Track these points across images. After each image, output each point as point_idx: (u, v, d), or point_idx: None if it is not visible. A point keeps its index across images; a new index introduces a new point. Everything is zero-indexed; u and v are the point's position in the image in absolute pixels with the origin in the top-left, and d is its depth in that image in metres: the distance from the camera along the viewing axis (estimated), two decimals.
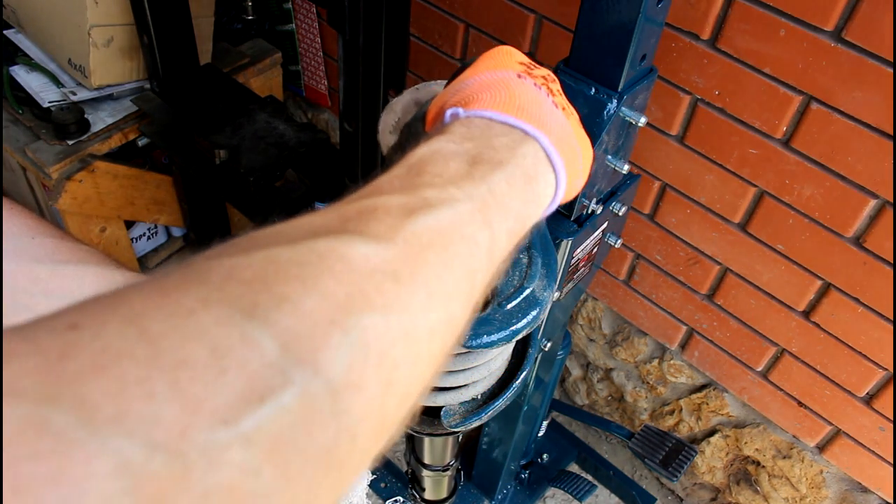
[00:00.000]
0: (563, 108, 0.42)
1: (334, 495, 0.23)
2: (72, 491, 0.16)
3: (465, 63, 0.47)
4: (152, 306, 0.20)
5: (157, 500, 0.17)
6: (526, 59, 0.44)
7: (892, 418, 1.24)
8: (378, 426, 0.24)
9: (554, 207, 0.40)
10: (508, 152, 0.35)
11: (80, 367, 0.18)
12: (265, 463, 0.19)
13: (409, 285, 0.26)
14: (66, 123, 1.50)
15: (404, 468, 0.94)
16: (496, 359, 0.60)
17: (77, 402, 0.17)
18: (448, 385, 0.59)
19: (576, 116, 0.45)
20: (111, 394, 0.18)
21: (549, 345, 1.07)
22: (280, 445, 0.20)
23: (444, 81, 0.49)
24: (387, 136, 0.51)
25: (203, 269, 0.22)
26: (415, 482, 0.93)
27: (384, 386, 0.24)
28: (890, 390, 1.22)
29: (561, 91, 0.44)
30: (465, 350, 0.53)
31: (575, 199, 0.75)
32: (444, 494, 0.95)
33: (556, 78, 0.45)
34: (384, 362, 0.24)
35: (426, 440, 0.82)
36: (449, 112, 0.38)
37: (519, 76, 0.41)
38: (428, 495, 0.94)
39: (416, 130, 0.47)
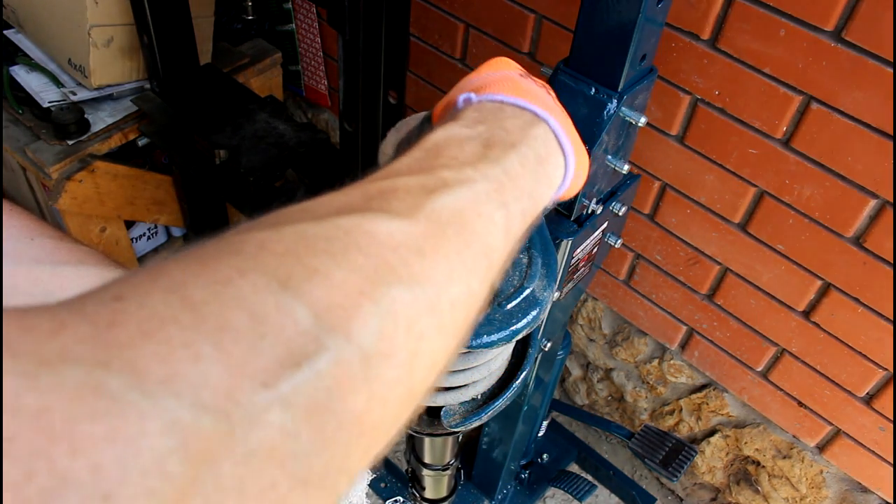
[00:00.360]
0: (563, 109, 0.44)
1: (365, 460, 0.24)
2: (126, 448, 0.16)
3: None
4: (192, 275, 0.21)
5: (205, 457, 0.18)
6: (522, 69, 0.46)
7: (892, 418, 1.24)
8: (406, 394, 0.25)
9: (563, 192, 0.41)
10: (520, 133, 0.36)
11: (129, 333, 0.19)
12: (303, 425, 0.20)
13: (432, 259, 0.27)
14: (66, 123, 1.50)
15: (404, 468, 0.94)
16: (496, 359, 0.60)
17: (128, 366, 0.18)
18: (448, 385, 0.59)
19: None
20: (159, 357, 0.18)
21: (549, 345, 1.07)
22: (316, 409, 0.21)
23: None
24: (385, 156, 0.51)
25: (236, 242, 0.23)
26: (415, 481, 0.93)
27: (412, 355, 0.25)
28: (890, 390, 1.22)
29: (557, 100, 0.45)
30: (465, 350, 0.53)
31: (575, 199, 0.75)
32: (443, 493, 0.95)
33: (550, 88, 0.46)
34: (412, 332, 0.25)
35: (426, 440, 0.82)
36: (462, 97, 0.39)
37: (520, 75, 0.43)
38: (428, 494, 0.94)
39: (423, 132, 0.47)
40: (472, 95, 0.39)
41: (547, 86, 0.45)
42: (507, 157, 0.34)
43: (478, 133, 0.35)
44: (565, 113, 0.43)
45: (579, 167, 0.43)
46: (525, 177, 0.35)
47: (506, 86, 0.40)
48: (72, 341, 0.18)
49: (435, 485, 0.92)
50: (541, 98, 0.40)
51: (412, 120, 0.52)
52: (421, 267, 0.26)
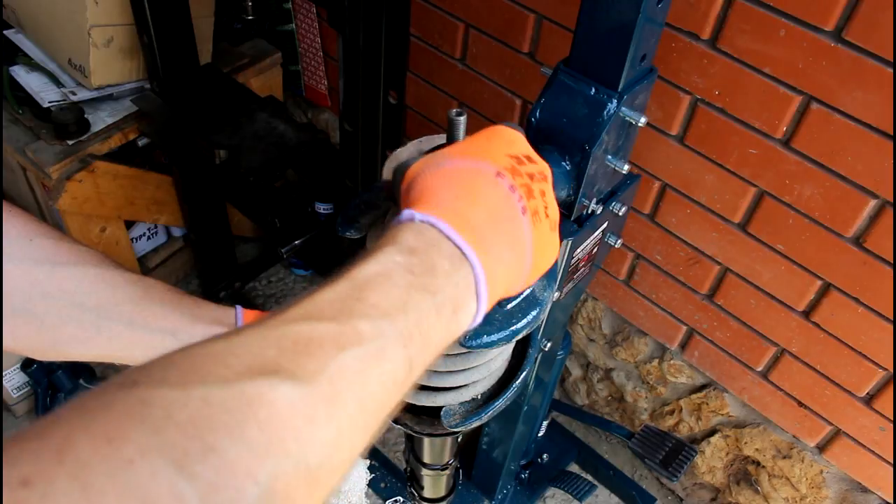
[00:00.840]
0: (535, 214, 0.44)
1: None
2: None
3: (452, 137, 0.49)
4: (97, 457, 0.23)
5: None
6: (521, 151, 0.45)
7: (892, 418, 1.24)
8: None
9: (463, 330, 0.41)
10: (445, 279, 0.37)
11: None
12: None
13: (323, 428, 0.29)
14: (66, 123, 1.50)
15: (403, 467, 0.94)
16: (496, 359, 0.60)
17: None
18: (448, 385, 0.59)
19: (552, 220, 0.46)
20: None
21: (549, 345, 1.07)
22: None
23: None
24: (384, 180, 0.52)
25: (146, 402, 0.25)
26: (413, 480, 0.93)
27: None
28: (890, 390, 1.22)
29: (545, 192, 0.45)
30: (465, 350, 0.53)
31: (575, 200, 0.75)
32: (442, 493, 0.95)
33: (546, 175, 0.46)
34: (286, 500, 0.27)
35: (425, 440, 0.82)
36: (405, 213, 0.40)
37: (498, 174, 0.42)
38: (426, 494, 0.94)
39: (397, 181, 0.48)
40: (416, 214, 0.39)
41: (541, 173, 0.45)
42: (425, 307, 0.36)
43: (408, 266, 0.36)
44: (529, 228, 0.43)
45: (519, 281, 0.43)
46: (437, 328, 0.36)
47: (457, 202, 0.40)
48: None
49: (433, 485, 0.92)
50: (488, 226, 0.40)
51: (409, 148, 0.53)
52: (310, 436, 0.28)
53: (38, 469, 0.22)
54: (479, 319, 0.40)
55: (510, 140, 0.46)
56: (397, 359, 0.33)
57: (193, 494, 0.23)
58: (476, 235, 0.39)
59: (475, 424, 0.61)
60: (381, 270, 0.35)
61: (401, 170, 0.47)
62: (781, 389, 1.39)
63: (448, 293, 0.37)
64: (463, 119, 0.49)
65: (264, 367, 0.28)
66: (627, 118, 0.70)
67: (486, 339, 0.50)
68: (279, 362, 0.29)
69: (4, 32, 1.63)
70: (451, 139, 0.50)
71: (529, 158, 0.46)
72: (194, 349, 0.29)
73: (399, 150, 0.54)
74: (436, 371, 0.58)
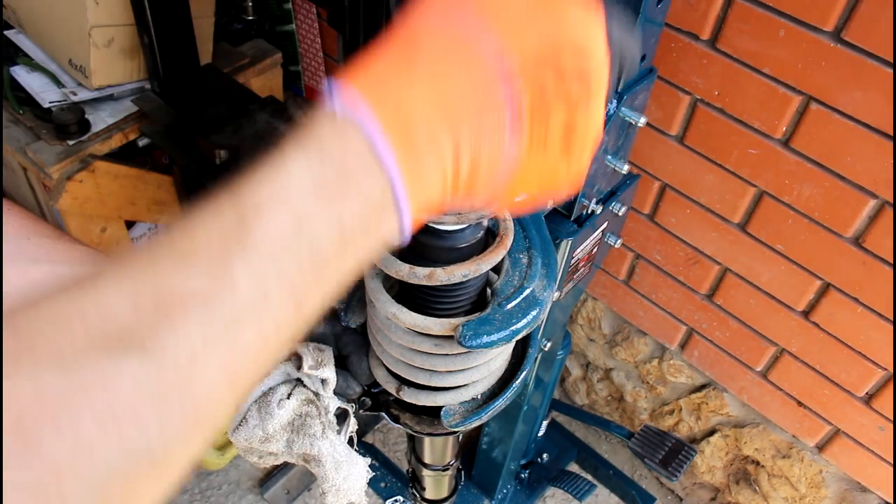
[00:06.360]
0: (537, 143, 0.34)
1: None
2: None
3: None
4: None
5: None
6: (569, 62, 0.33)
7: (891, 418, 1.24)
8: None
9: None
10: (357, 193, 0.31)
11: None
12: None
13: (175, 410, 0.26)
14: (67, 124, 1.50)
15: (405, 467, 0.94)
16: (496, 359, 0.60)
17: None
18: (448, 385, 0.59)
19: (575, 157, 0.36)
20: None
21: (549, 345, 1.07)
22: None
23: None
24: None
25: None
26: (415, 481, 0.93)
27: None
28: (889, 390, 1.22)
29: (576, 126, 0.34)
30: (465, 350, 0.54)
31: (575, 199, 0.75)
32: (444, 494, 0.95)
33: (594, 108, 0.35)
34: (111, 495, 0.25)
35: (426, 440, 0.82)
36: (336, 100, 0.32)
37: (503, 75, 0.32)
38: (428, 495, 0.94)
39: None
40: (343, 107, 0.32)
41: (579, 87, 0.34)
42: (325, 235, 0.30)
43: (313, 183, 0.30)
44: (511, 148, 0.34)
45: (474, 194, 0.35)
46: (340, 256, 0.31)
47: (414, 87, 0.32)
48: None
49: (435, 485, 0.92)
50: (447, 121, 0.32)
51: None
52: (157, 422, 0.26)
53: None
54: (407, 233, 0.34)
55: (566, 27, 0.33)
56: (282, 310, 0.30)
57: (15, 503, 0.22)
58: (406, 133, 0.31)
59: (475, 424, 0.61)
60: (277, 192, 0.30)
61: None
62: (781, 389, 1.39)
63: (357, 212, 0.31)
64: None
65: (112, 338, 0.25)
66: (627, 118, 0.70)
67: (486, 339, 0.50)
68: (132, 330, 0.26)
69: (5, 33, 1.64)
70: None
71: (581, 65, 0.33)
72: (43, 307, 0.26)
73: None
74: (436, 371, 0.58)
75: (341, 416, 0.66)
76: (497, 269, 0.55)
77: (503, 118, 0.33)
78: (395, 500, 1.55)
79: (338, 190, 0.31)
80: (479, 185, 0.34)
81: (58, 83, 1.59)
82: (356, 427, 0.68)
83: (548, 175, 0.36)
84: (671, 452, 1.39)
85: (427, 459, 0.85)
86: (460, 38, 0.32)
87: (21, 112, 1.56)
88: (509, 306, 0.52)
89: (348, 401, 0.66)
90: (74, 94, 1.55)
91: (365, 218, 0.31)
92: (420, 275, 0.51)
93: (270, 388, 0.60)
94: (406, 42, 0.33)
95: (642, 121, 0.70)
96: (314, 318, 0.32)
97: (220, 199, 0.31)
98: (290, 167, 0.31)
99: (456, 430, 0.61)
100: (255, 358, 0.29)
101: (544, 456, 1.67)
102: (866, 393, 1.26)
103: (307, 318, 0.32)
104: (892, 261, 1.10)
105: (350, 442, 0.66)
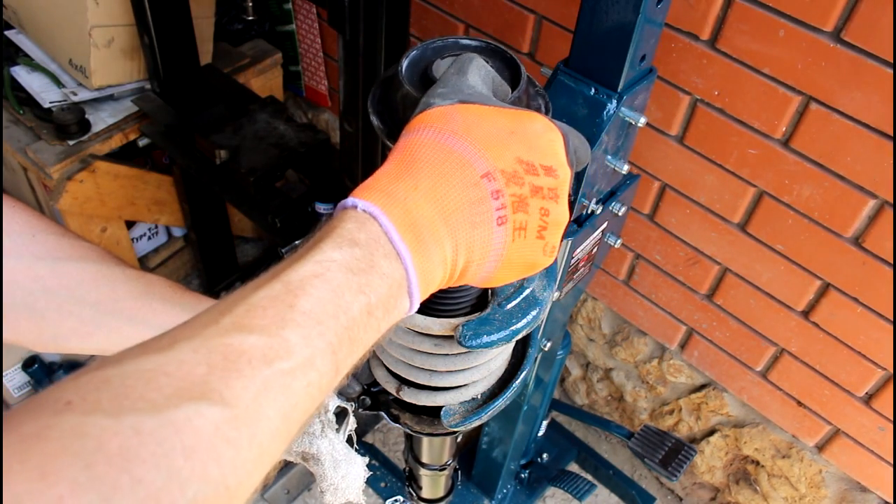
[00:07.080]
0: (520, 229, 0.40)
1: None
2: None
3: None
4: (30, 495, 0.24)
5: None
6: (539, 159, 0.40)
7: (891, 418, 1.24)
8: None
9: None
10: (381, 279, 0.37)
11: None
12: None
13: (245, 450, 0.30)
14: (67, 124, 1.50)
15: (403, 467, 0.94)
16: (496, 358, 0.60)
17: None
18: (448, 385, 0.59)
19: (548, 243, 0.42)
20: None
21: (549, 345, 1.07)
22: None
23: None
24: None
25: (78, 433, 0.26)
26: (412, 480, 0.93)
27: None
28: (889, 390, 1.22)
29: (549, 211, 0.41)
30: (464, 350, 0.54)
31: (574, 200, 0.75)
32: (440, 493, 0.95)
33: (560, 193, 0.41)
34: None
35: (425, 440, 0.82)
36: (350, 200, 0.38)
37: (486, 175, 0.39)
38: (424, 494, 0.94)
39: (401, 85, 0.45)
40: (359, 203, 0.38)
41: (547, 188, 0.41)
42: (357, 310, 0.35)
43: (347, 266, 0.36)
44: (501, 238, 0.40)
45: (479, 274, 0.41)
46: (367, 330, 0.36)
47: (417, 192, 0.38)
48: None
49: (432, 485, 0.92)
50: (446, 222, 0.38)
51: (442, 65, 0.46)
52: (232, 459, 0.29)
53: None
54: (413, 311, 0.40)
55: (534, 142, 0.41)
56: (325, 366, 0.34)
57: None
58: (416, 234, 0.38)
59: (475, 424, 0.61)
60: (316, 271, 0.35)
61: (406, 100, 0.45)
62: (781, 389, 1.39)
63: (382, 294, 0.37)
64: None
65: (193, 389, 0.29)
66: (627, 118, 0.70)
67: (486, 339, 0.50)
68: (208, 381, 0.30)
69: (6, 33, 1.64)
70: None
71: (548, 170, 0.41)
72: (128, 365, 0.30)
73: (419, 51, 0.47)
74: (436, 371, 0.58)
75: (340, 415, 0.66)
76: None
77: (490, 212, 0.39)
78: (395, 500, 1.55)
79: (365, 269, 0.36)
80: (473, 269, 0.41)
81: (58, 83, 1.59)
82: (355, 426, 0.68)
83: (528, 256, 0.42)
84: (671, 452, 1.39)
85: (425, 459, 0.85)
86: (451, 152, 0.39)
87: (21, 112, 1.56)
88: (509, 306, 0.52)
89: (347, 400, 0.66)
90: (75, 94, 1.55)
91: (385, 297, 0.37)
92: None
93: None
94: (407, 157, 0.39)
95: (642, 121, 0.70)
96: (345, 379, 0.37)
97: (264, 277, 0.36)
98: (324, 248, 0.36)
99: (456, 430, 0.61)
100: (303, 405, 0.34)
101: (544, 456, 1.67)
102: (866, 393, 1.26)
103: (341, 376, 0.36)
104: (891, 261, 1.10)
105: (349, 441, 0.67)
